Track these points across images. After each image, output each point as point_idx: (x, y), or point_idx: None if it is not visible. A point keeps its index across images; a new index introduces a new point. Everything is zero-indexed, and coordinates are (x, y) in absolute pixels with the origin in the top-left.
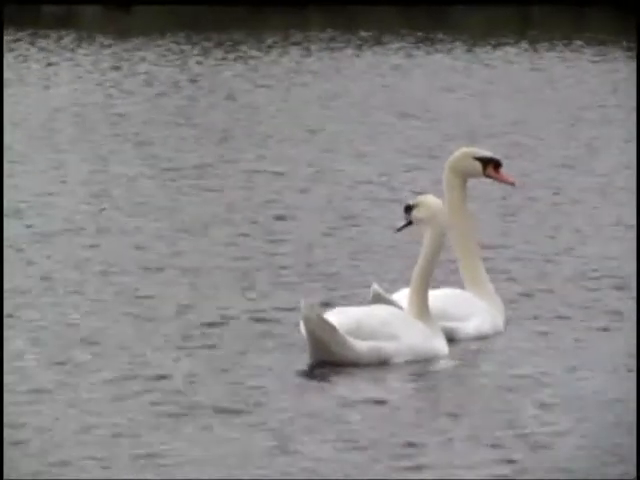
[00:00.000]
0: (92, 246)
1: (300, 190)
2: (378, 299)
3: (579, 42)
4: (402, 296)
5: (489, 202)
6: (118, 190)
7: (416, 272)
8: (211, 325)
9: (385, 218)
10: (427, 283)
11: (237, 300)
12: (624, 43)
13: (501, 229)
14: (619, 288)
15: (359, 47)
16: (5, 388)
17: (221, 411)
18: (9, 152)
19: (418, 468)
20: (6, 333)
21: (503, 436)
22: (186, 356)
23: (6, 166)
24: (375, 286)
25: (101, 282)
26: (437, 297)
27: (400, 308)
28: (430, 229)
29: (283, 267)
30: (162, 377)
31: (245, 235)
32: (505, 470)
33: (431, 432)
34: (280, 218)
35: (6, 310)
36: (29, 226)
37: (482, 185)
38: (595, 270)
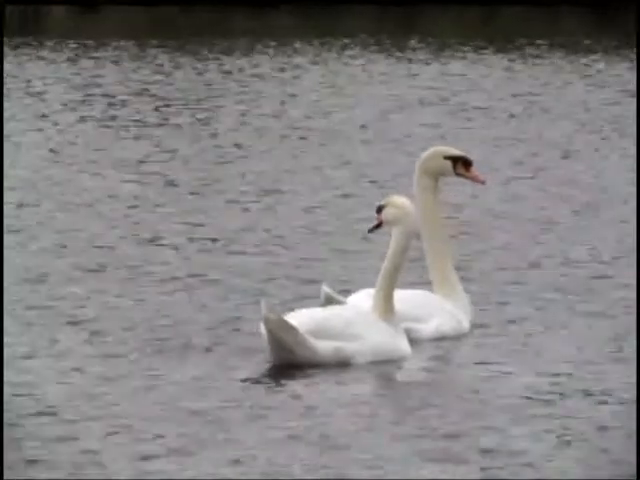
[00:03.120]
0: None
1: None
2: (329, 300)
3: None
4: (364, 296)
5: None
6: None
7: (382, 272)
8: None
9: None
10: (393, 283)
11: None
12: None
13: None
14: (590, 291)
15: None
16: None
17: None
18: None
19: (382, 467)
20: None
21: (462, 436)
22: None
23: None
24: (325, 287)
25: None
26: (399, 297)
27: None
28: (398, 229)
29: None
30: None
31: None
32: (465, 471)
33: (390, 431)
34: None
35: None
36: None
37: None
38: (565, 276)
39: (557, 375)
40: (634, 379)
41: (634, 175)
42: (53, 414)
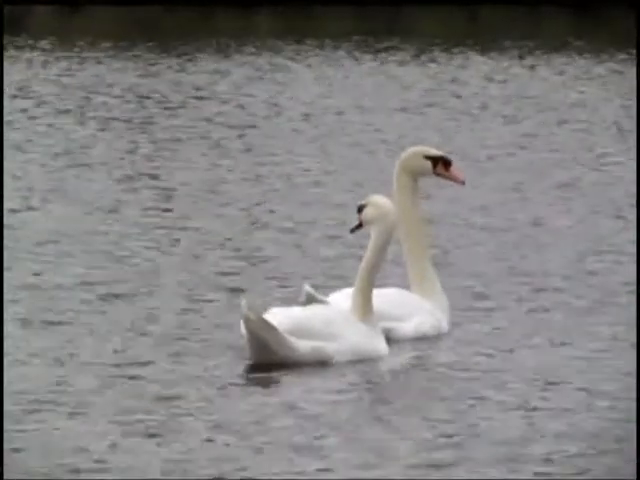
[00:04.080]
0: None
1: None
2: (311, 299)
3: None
4: (344, 296)
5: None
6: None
7: (361, 271)
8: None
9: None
10: (372, 282)
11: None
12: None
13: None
14: (589, 292)
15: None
16: None
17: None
18: None
19: (363, 468)
20: None
21: (438, 437)
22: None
23: None
24: (307, 287)
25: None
26: (378, 297)
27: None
28: (377, 228)
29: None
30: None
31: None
32: (449, 473)
33: (372, 433)
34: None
35: None
36: None
37: None
38: (563, 277)
39: (549, 376)
40: (634, 379)
41: (634, 175)
42: (58, 419)
